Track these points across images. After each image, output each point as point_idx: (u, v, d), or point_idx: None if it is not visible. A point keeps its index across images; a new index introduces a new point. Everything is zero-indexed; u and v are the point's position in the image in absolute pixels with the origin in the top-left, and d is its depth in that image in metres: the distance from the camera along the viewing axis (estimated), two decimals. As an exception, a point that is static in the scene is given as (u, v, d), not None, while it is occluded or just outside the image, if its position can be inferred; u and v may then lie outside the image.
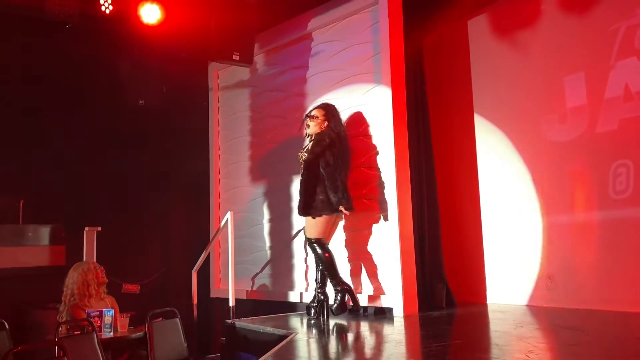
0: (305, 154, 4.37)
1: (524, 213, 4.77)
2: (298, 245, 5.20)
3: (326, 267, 4.26)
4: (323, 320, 4.30)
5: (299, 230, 5.18)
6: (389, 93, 4.46)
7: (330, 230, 4.38)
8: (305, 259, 5.11)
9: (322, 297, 4.37)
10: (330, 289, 4.42)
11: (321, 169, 4.23)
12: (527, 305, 4.64)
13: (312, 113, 4.48)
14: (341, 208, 4.18)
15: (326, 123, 4.42)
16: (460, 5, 5.15)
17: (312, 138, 4.44)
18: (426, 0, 5.03)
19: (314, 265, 4.50)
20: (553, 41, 4.67)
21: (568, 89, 4.56)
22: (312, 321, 4.29)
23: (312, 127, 4.44)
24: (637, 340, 3.12)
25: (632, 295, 4.05)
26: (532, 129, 4.77)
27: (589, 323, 3.77)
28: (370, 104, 4.67)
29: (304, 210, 4.29)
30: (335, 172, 4.23)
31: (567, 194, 4.51)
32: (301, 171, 4.42)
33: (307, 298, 4.99)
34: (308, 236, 4.31)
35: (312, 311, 4.37)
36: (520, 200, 4.81)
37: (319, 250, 4.26)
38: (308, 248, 4.37)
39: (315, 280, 4.44)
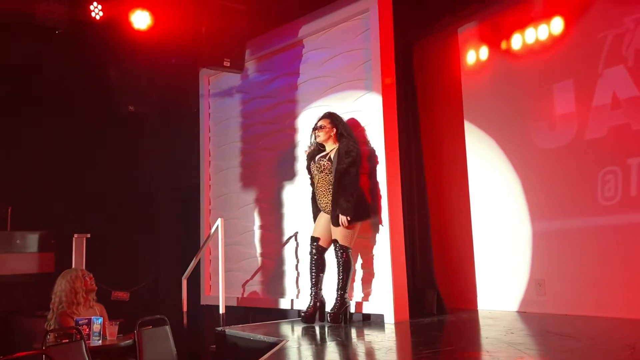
0: (327, 162, 4.39)
1: (513, 219, 4.79)
2: (289, 252, 5.18)
3: (348, 276, 4.31)
4: (318, 327, 4.29)
5: (290, 237, 5.17)
6: (379, 100, 4.48)
7: None
8: (297, 266, 5.10)
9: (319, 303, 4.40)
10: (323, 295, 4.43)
11: (347, 177, 4.28)
12: (517, 311, 4.66)
13: (318, 124, 4.53)
14: (342, 218, 4.22)
15: (334, 130, 4.49)
16: (450, 13, 5.18)
17: (332, 148, 4.46)
18: (417, 8, 5.06)
19: (311, 271, 4.44)
20: (542, 49, 4.71)
21: (557, 96, 4.60)
22: (311, 328, 4.25)
23: (322, 136, 4.49)
24: (627, 347, 3.13)
25: (622, 301, 4.08)
26: (522, 136, 4.80)
27: (579, 329, 3.79)
28: (361, 110, 4.68)
29: (356, 217, 4.26)
30: (356, 182, 4.32)
31: (556, 201, 4.54)
32: (320, 179, 4.41)
33: (298, 305, 4.97)
34: (342, 243, 4.29)
35: (340, 319, 4.31)
36: (510, 207, 4.83)
37: (349, 257, 4.30)
38: (336, 254, 4.34)
39: (317, 285, 4.41)
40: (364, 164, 4.58)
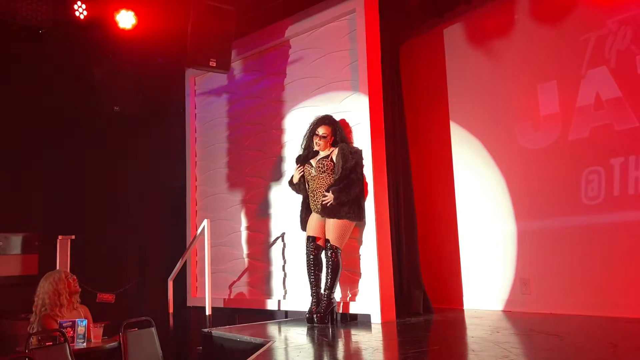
0: (329, 162, 4.41)
1: (499, 219, 4.83)
2: (276, 252, 5.17)
3: (336, 276, 4.30)
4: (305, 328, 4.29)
5: (277, 238, 5.16)
6: (366, 101, 4.49)
7: None
8: (284, 267, 5.09)
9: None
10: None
11: (353, 174, 4.32)
12: (503, 311, 4.69)
13: (321, 132, 4.50)
14: (329, 197, 4.25)
15: (334, 138, 4.53)
16: (436, 14, 5.21)
17: (330, 151, 4.48)
18: (403, 9, 5.08)
19: (309, 271, 4.39)
20: (526, 50, 4.76)
21: (541, 97, 4.65)
22: (317, 330, 4.20)
23: (322, 145, 4.51)
24: (610, 345, 3.17)
25: (606, 299, 4.13)
26: (507, 137, 4.84)
27: (563, 327, 3.83)
28: (348, 111, 4.69)
29: (353, 218, 4.31)
30: (359, 179, 4.36)
31: (540, 200, 4.59)
32: (319, 180, 4.41)
33: (285, 306, 4.97)
34: (333, 243, 4.31)
35: (327, 319, 4.30)
36: (495, 207, 4.87)
37: (338, 258, 4.31)
38: (325, 253, 4.34)
39: (317, 285, 4.39)
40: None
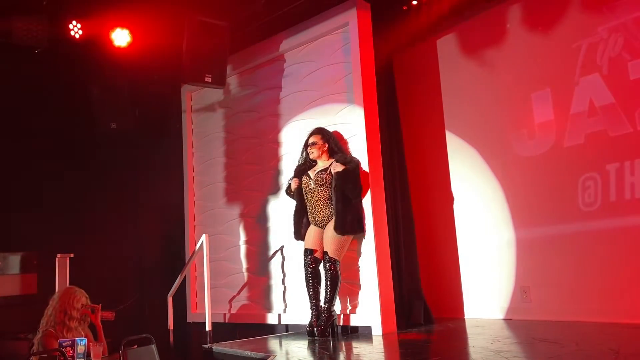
0: (328, 175, 4.40)
1: (497, 227, 4.84)
2: (275, 266, 5.17)
3: (335, 289, 4.29)
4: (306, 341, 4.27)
5: (276, 251, 5.16)
6: (361, 112, 4.51)
7: None
8: (283, 280, 5.08)
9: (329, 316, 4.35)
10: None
11: (346, 193, 4.29)
12: (504, 319, 4.69)
13: (310, 141, 4.56)
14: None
15: (326, 145, 4.53)
16: (429, 25, 5.26)
17: (328, 162, 4.49)
18: (396, 20, 5.13)
19: (308, 283, 4.38)
20: (519, 59, 4.80)
21: (535, 105, 4.68)
22: (318, 343, 4.18)
23: (315, 152, 4.53)
24: (611, 351, 3.17)
25: (606, 305, 4.13)
26: (502, 145, 4.87)
27: (564, 335, 3.82)
28: (344, 123, 4.71)
29: (342, 230, 4.28)
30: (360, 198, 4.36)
31: (538, 208, 4.60)
32: (318, 193, 4.40)
33: (286, 319, 4.95)
34: (332, 255, 4.29)
35: (327, 332, 4.27)
36: (493, 215, 4.88)
37: (336, 271, 4.28)
38: (324, 266, 4.32)
39: (316, 298, 4.37)
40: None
